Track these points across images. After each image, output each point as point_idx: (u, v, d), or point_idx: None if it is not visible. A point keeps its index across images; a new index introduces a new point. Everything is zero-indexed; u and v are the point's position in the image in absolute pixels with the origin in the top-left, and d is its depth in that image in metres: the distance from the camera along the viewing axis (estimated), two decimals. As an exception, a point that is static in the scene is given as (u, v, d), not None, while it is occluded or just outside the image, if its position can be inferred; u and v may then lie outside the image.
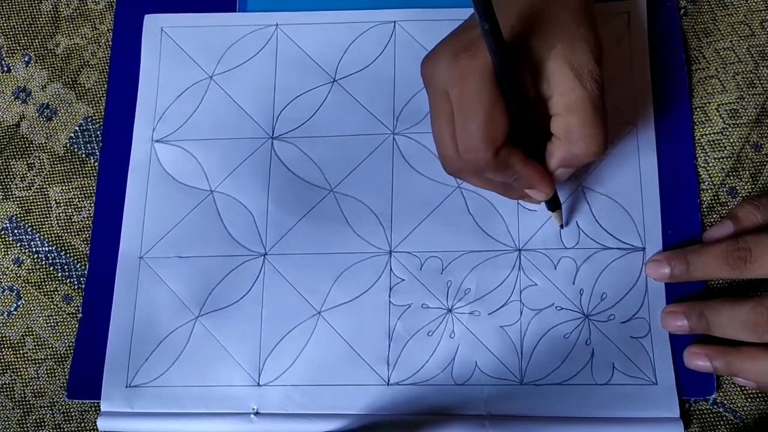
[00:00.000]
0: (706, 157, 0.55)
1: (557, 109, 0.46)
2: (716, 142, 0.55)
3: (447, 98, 0.46)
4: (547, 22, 0.46)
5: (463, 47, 0.45)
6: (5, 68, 0.60)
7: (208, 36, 0.59)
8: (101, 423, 0.53)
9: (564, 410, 0.51)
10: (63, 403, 0.54)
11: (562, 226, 0.54)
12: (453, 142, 0.46)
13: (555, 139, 0.47)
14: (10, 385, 0.55)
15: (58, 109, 0.59)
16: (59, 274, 0.56)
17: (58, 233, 0.57)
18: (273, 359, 0.53)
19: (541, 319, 0.53)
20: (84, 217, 0.57)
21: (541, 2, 0.46)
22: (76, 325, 0.55)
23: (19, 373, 0.55)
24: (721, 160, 0.55)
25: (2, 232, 0.57)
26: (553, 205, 0.52)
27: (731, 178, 0.55)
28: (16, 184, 0.58)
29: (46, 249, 0.57)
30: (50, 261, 0.56)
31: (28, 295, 0.56)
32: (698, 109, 0.56)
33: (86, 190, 0.57)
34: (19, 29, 0.61)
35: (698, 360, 0.50)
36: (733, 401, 0.51)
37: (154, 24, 0.60)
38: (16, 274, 0.56)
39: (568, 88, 0.45)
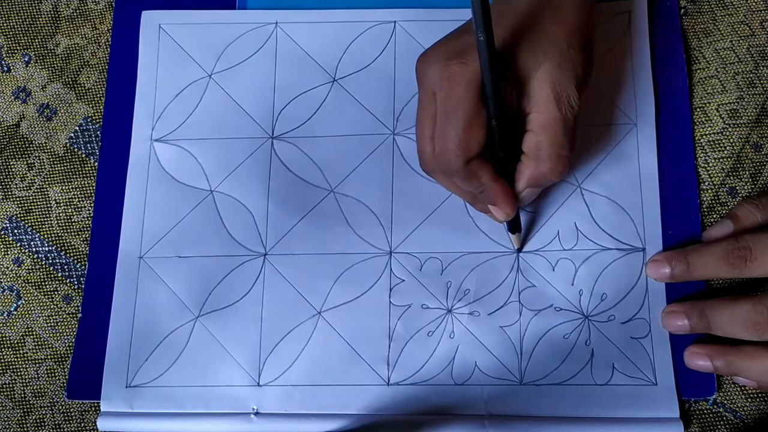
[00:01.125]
0: (706, 157, 0.55)
1: (531, 125, 0.47)
2: (716, 142, 0.55)
3: (434, 98, 0.47)
4: (539, 37, 0.47)
5: (456, 52, 0.46)
6: (5, 68, 0.60)
7: (206, 33, 0.59)
8: (101, 423, 0.53)
9: (564, 410, 0.51)
10: (63, 403, 0.54)
11: (519, 250, 0.54)
12: (431, 142, 0.47)
13: (524, 157, 0.48)
14: (10, 385, 0.55)
15: (58, 109, 0.59)
16: (59, 274, 0.56)
17: (58, 233, 0.57)
18: (273, 359, 0.53)
19: (540, 319, 0.53)
20: (84, 217, 0.57)
21: (538, 16, 0.47)
22: (76, 325, 0.55)
23: (19, 373, 0.55)
24: (721, 160, 0.55)
25: (2, 232, 0.57)
26: (514, 227, 0.52)
27: (731, 178, 0.55)
28: (16, 184, 0.58)
29: (46, 249, 0.57)
30: (50, 261, 0.56)
31: (28, 295, 0.56)
32: (698, 109, 0.56)
33: (86, 190, 0.57)
34: (19, 29, 0.61)
35: (699, 360, 0.50)
36: (733, 401, 0.51)
37: (151, 20, 0.59)
38: (16, 274, 0.56)
39: (545, 108, 0.46)
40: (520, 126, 0.48)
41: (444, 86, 0.46)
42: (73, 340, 0.55)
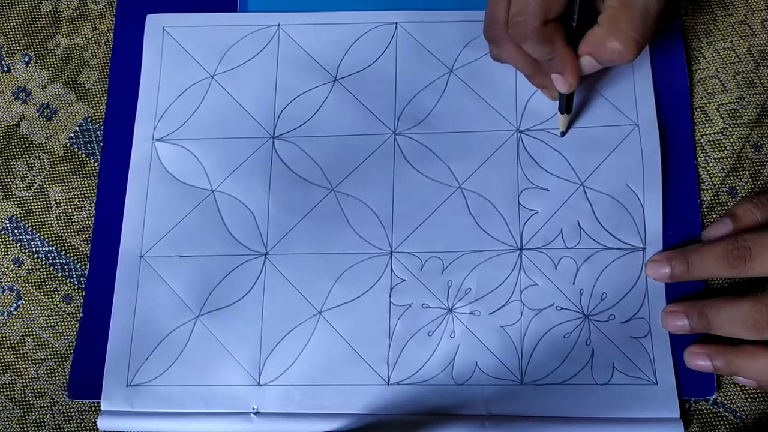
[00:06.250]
0: (706, 157, 0.55)
1: (611, 2, 0.48)
2: (716, 142, 0.55)
3: None
4: None
5: None
6: (5, 68, 0.60)
7: (210, 35, 0.59)
8: (101, 422, 0.53)
9: (564, 410, 0.51)
10: (63, 403, 0.54)
11: (563, 134, 0.55)
12: (506, 8, 0.48)
13: (596, 27, 0.49)
14: (10, 385, 0.55)
15: (58, 109, 0.59)
16: (59, 274, 0.56)
17: (58, 233, 0.57)
18: (273, 359, 0.53)
19: (541, 319, 0.53)
20: (84, 217, 0.57)
21: None
22: (76, 325, 0.55)
23: (19, 373, 0.55)
24: (721, 160, 0.55)
25: (2, 232, 0.57)
26: (567, 106, 0.53)
27: (731, 178, 0.55)
28: (16, 184, 0.58)
29: (46, 249, 0.57)
30: (50, 261, 0.56)
31: (28, 295, 0.56)
32: (698, 109, 0.56)
33: (86, 190, 0.57)
34: (19, 29, 0.61)
35: (699, 360, 0.50)
36: (733, 401, 0.51)
37: (156, 23, 0.60)
38: (16, 274, 0.56)
39: None
40: (593, 10, 0.49)
41: None
42: (73, 340, 0.55)
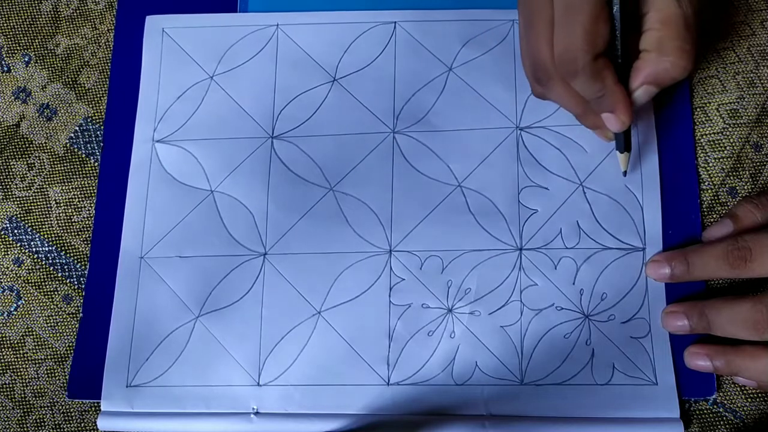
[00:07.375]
0: (706, 157, 0.55)
1: (651, 24, 0.47)
2: (716, 142, 0.55)
3: (549, 3, 0.47)
4: None
5: None
6: (5, 68, 0.60)
7: (209, 36, 0.59)
8: (101, 422, 0.53)
9: (564, 410, 0.51)
10: (63, 403, 0.54)
11: (625, 173, 0.53)
12: (549, 46, 0.47)
13: (644, 53, 0.48)
14: (10, 385, 0.55)
15: (58, 109, 0.59)
16: (59, 274, 0.56)
17: (58, 233, 0.57)
18: (273, 359, 0.53)
19: (541, 319, 0.53)
20: (84, 217, 0.57)
21: None
22: (76, 325, 0.55)
23: (19, 373, 0.55)
24: (721, 160, 0.55)
25: (2, 232, 0.57)
26: (625, 144, 0.52)
27: (731, 178, 0.55)
28: (16, 184, 0.58)
29: (46, 249, 0.57)
30: (50, 261, 0.56)
31: (28, 295, 0.56)
32: (698, 109, 0.56)
33: (86, 190, 0.57)
34: (19, 29, 0.61)
35: (699, 360, 0.50)
36: (733, 401, 0.51)
37: (155, 25, 0.60)
38: (16, 274, 0.56)
39: (665, 5, 0.47)
40: (634, 31, 0.48)
41: None
42: (73, 340, 0.55)
